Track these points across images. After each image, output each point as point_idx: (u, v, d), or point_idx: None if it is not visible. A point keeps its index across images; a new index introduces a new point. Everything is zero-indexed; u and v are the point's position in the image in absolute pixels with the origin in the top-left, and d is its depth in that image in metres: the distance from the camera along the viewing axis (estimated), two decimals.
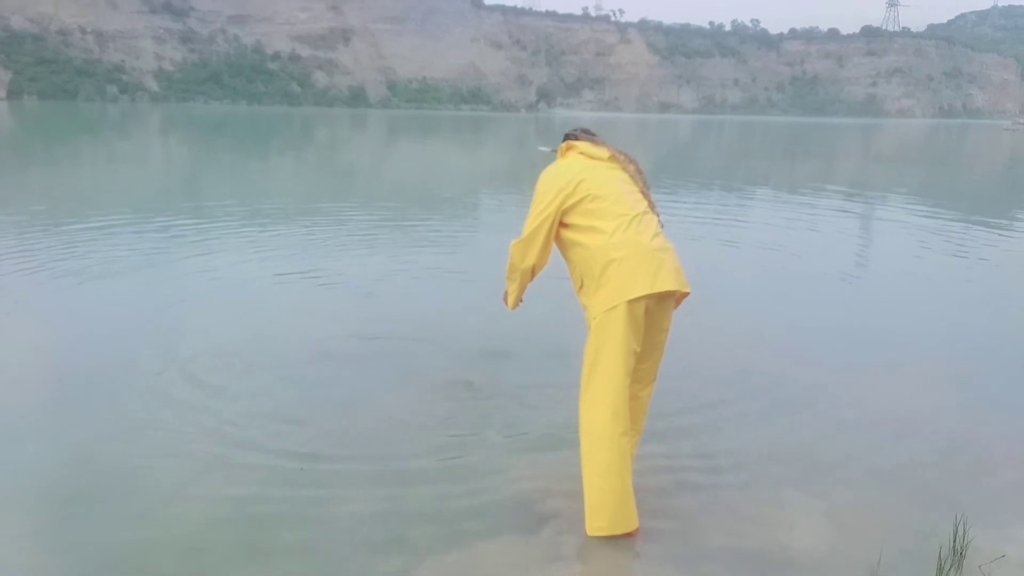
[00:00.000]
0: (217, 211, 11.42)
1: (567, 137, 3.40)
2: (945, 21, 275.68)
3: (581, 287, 3.09)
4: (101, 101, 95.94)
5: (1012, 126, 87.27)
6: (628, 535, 3.02)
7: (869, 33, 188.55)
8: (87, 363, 4.82)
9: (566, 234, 3.13)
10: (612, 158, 3.25)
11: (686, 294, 3.09)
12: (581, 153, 3.25)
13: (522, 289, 3.35)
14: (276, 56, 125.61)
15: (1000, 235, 11.32)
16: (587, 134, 3.39)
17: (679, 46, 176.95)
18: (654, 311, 3.04)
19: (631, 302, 2.90)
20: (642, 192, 3.21)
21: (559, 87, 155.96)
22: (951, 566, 2.87)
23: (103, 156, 23.30)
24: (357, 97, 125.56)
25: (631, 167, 3.26)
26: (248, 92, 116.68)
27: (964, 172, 27.27)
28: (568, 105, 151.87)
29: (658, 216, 3.21)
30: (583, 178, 3.09)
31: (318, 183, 17.40)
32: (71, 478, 3.44)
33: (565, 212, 3.09)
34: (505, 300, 3.48)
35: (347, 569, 2.86)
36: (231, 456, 3.68)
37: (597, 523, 3.00)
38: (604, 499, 2.97)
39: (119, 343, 5.21)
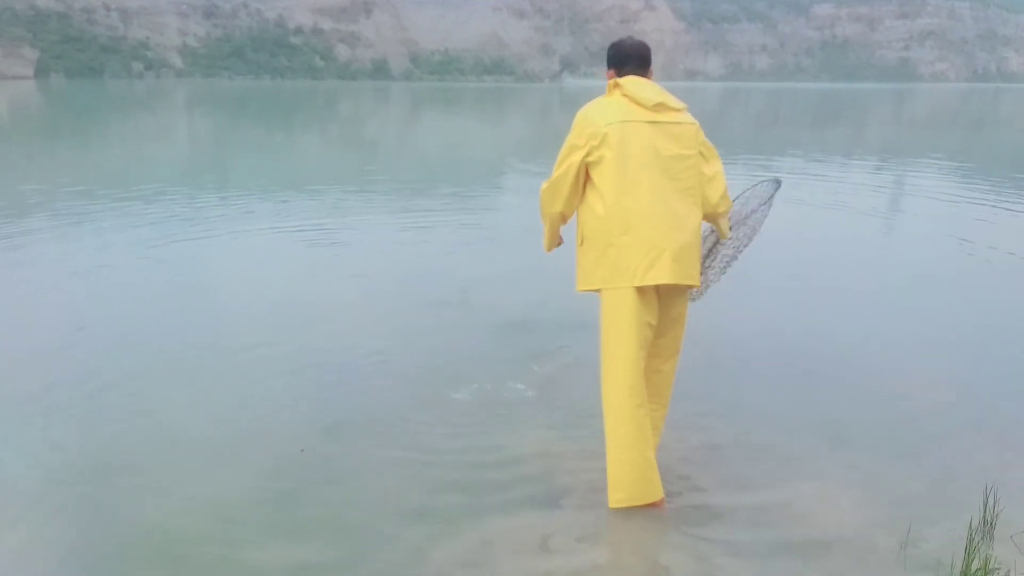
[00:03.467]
0: (252, 185, 11.48)
1: (614, 57, 3.11)
2: None
3: (582, 244, 3.04)
4: (127, 78, 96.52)
5: None
6: (653, 505, 3.01)
7: None
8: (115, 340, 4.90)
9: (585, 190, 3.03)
10: (659, 107, 2.95)
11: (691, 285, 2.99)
12: (625, 95, 2.99)
13: (554, 232, 3.25)
14: (299, 30, 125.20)
15: None
16: (636, 58, 3.08)
17: (705, 12, 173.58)
18: (665, 291, 2.99)
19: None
20: (681, 155, 2.95)
21: (583, 56, 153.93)
22: (981, 537, 2.83)
23: (153, 134, 23.50)
24: (380, 70, 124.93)
25: (681, 121, 2.99)
26: (271, 66, 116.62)
27: (1012, 138, 26.61)
28: (592, 74, 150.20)
29: (715, 183, 3.05)
30: (608, 132, 2.89)
31: (353, 155, 17.42)
32: (97, 450, 3.50)
33: (588, 164, 2.96)
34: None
35: (373, 536, 2.89)
36: (263, 428, 3.71)
37: (617, 495, 3.00)
38: (623, 471, 2.97)
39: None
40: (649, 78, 3.10)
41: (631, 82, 3.01)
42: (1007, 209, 10.24)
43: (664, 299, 3.01)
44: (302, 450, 3.50)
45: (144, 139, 21.39)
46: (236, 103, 43.75)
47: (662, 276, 2.86)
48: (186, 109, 37.62)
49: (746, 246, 3.36)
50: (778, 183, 3.34)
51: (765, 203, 3.31)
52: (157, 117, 31.24)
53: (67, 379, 4.22)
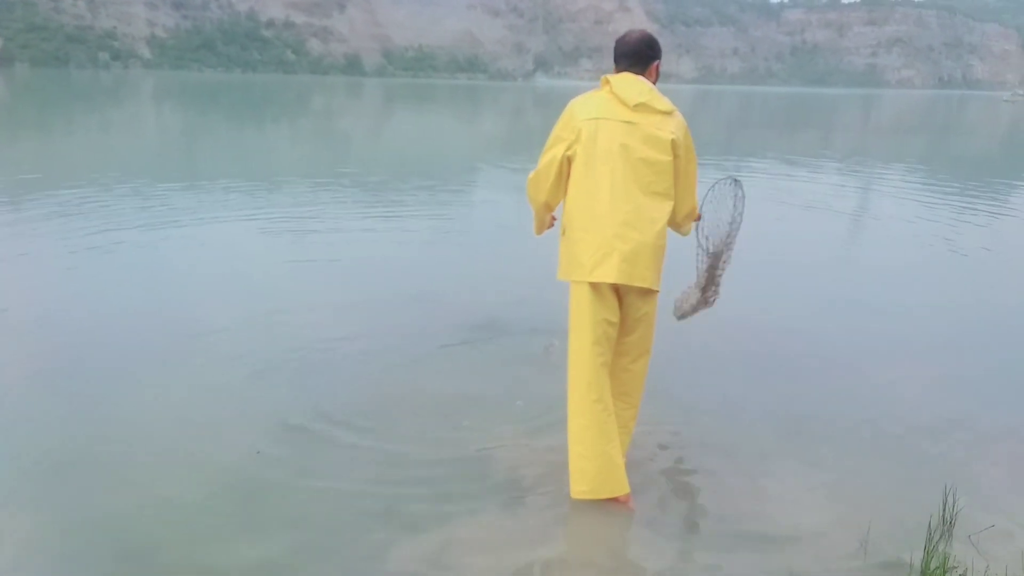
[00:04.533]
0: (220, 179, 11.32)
1: (614, 54, 3.10)
2: None
3: (563, 234, 3.06)
4: (93, 68, 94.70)
5: (1011, 97, 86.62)
6: (616, 501, 3.01)
7: (870, 2, 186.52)
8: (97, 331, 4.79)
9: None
10: (639, 108, 2.92)
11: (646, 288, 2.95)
12: (612, 92, 2.98)
13: (541, 221, 3.29)
14: (270, 23, 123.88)
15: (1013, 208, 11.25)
16: (630, 56, 3.04)
17: (679, 15, 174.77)
18: (625, 291, 2.98)
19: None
20: (653, 158, 2.90)
21: (556, 56, 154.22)
22: (940, 536, 2.87)
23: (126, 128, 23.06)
24: (352, 65, 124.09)
25: (666, 124, 2.95)
26: (242, 60, 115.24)
27: (975, 143, 27.15)
28: (565, 74, 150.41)
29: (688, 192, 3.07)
30: (583, 127, 2.93)
31: (324, 150, 17.26)
32: (58, 445, 3.41)
33: (568, 157, 2.99)
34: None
35: (336, 539, 2.84)
36: (226, 424, 3.65)
37: (579, 487, 3.00)
38: (583, 464, 2.98)
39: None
40: (650, 76, 3.08)
41: (620, 79, 3.01)
42: (983, 210, 10.43)
43: (625, 298, 3.00)
44: (258, 452, 3.42)
45: (111, 130, 21.01)
46: (206, 96, 43.15)
47: (608, 275, 2.86)
48: (155, 101, 37.02)
49: (726, 262, 3.29)
50: (736, 182, 3.21)
51: (737, 212, 3.20)
52: (125, 108, 30.68)
53: (24, 371, 4.12)
